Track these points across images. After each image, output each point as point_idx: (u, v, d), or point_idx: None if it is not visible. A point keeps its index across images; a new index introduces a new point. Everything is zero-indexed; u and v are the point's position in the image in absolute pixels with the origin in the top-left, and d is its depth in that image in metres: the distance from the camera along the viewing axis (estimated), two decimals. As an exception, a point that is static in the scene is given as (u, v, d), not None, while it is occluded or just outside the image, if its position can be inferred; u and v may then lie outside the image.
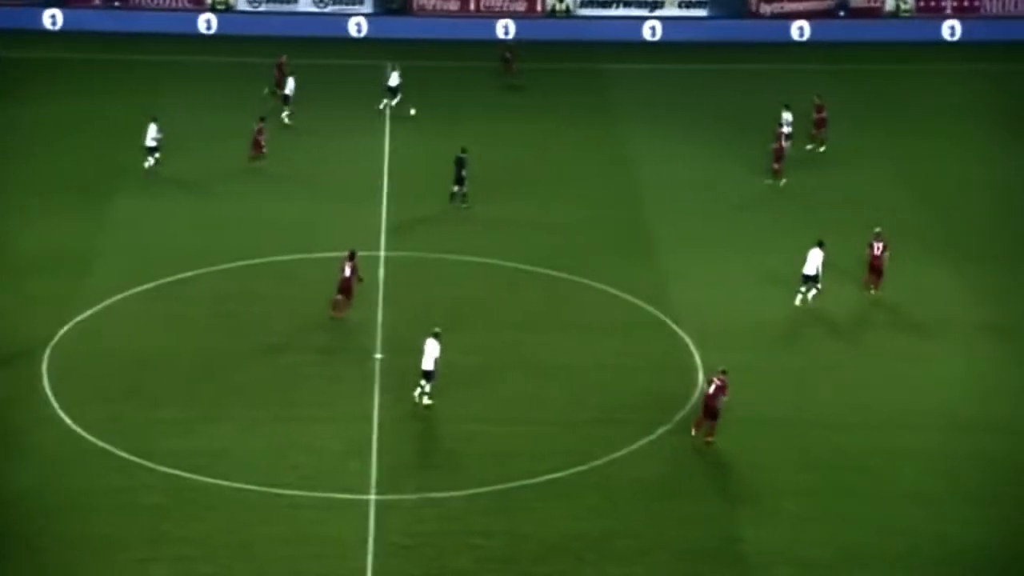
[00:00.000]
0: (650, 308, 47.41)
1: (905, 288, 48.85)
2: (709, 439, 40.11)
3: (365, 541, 35.94)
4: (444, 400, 41.95)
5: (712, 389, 40.20)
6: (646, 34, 74.82)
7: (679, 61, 72.77)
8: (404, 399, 41.84)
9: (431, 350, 41.52)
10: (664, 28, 74.62)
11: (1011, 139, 63.12)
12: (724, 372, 40.41)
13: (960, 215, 55.33)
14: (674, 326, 46.32)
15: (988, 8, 76.39)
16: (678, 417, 41.40)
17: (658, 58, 72.68)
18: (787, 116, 58.87)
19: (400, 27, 75.41)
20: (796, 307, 47.51)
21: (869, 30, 75.26)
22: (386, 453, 39.50)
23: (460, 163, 54.83)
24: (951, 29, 75.17)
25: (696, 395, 42.20)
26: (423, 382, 41.60)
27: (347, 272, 46.10)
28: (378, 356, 44.22)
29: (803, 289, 47.90)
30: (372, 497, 37.59)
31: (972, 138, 63.36)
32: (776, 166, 57.00)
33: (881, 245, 48.32)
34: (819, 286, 47.69)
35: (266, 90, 63.86)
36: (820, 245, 47.79)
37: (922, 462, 39.65)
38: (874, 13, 76.33)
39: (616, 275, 49.28)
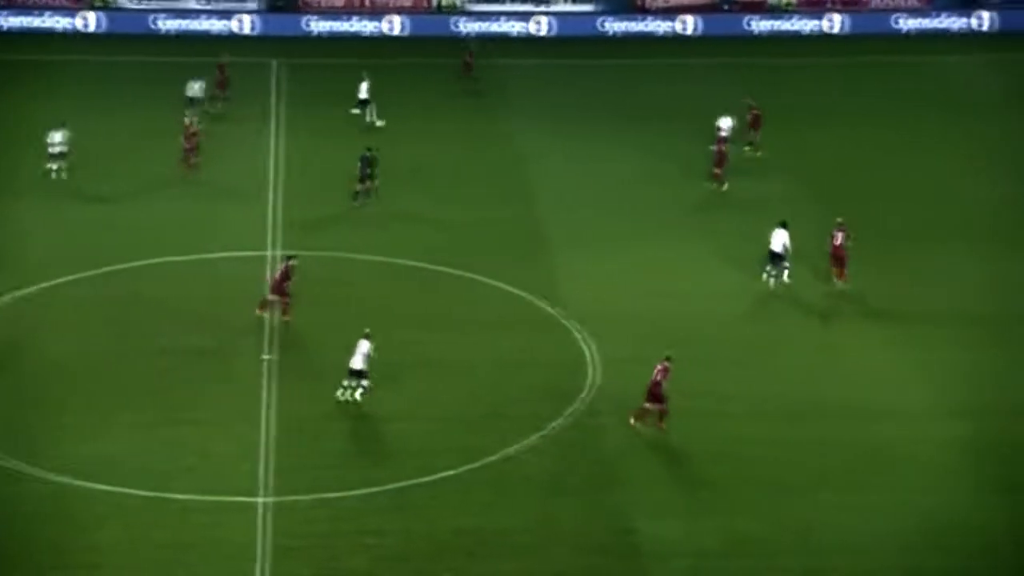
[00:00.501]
0: (542, 304, 47.46)
1: (805, 277, 49.38)
2: (661, 425, 40.32)
3: (256, 544, 35.58)
4: (334, 400, 41.75)
5: (657, 375, 40.37)
6: (532, 29, 75.03)
7: (568, 56, 73.04)
8: (296, 399, 41.57)
9: (361, 349, 41.46)
10: (552, 23, 74.80)
11: (903, 130, 63.79)
12: (668, 359, 40.54)
13: (869, 206, 55.35)
14: (566, 322, 46.38)
15: (870, 1, 77.47)
16: (570, 411, 41.49)
17: (548, 53, 72.87)
18: (727, 122, 58.22)
19: (287, 24, 74.87)
20: (691, 300, 47.84)
21: (755, 23, 75.91)
22: (278, 454, 39.11)
23: (366, 161, 54.53)
24: (831, 22, 76.09)
25: (586, 390, 42.32)
26: (347, 381, 41.42)
27: (278, 275, 45.88)
28: (269, 356, 43.86)
29: (769, 269, 48.62)
30: (263, 499, 37.22)
31: (865, 130, 63.78)
32: (717, 171, 56.51)
33: (842, 234, 48.60)
34: (787, 265, 48.33)
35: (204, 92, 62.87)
36: (784, 225, 48.44)
37: (825, 451, 39.90)
38: (759, 8, 77.06)
39: (509, 271, 49.25)
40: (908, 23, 76.33)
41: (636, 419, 40.74)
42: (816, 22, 75.91)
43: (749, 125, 59.74)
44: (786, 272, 48.62)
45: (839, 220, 49.12)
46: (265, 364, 43.40)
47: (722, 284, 49.17)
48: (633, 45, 74.26)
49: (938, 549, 36.12)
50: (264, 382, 42.55)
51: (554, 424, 40.91)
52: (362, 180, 54.57)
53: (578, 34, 74.74)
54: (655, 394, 40.40)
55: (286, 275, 45.92)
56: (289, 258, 46.54)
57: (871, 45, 74.71)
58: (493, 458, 39.28)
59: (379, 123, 61.40)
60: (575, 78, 69.00)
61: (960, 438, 40.52)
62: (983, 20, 75.82)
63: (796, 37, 75.84)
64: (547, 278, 49.20)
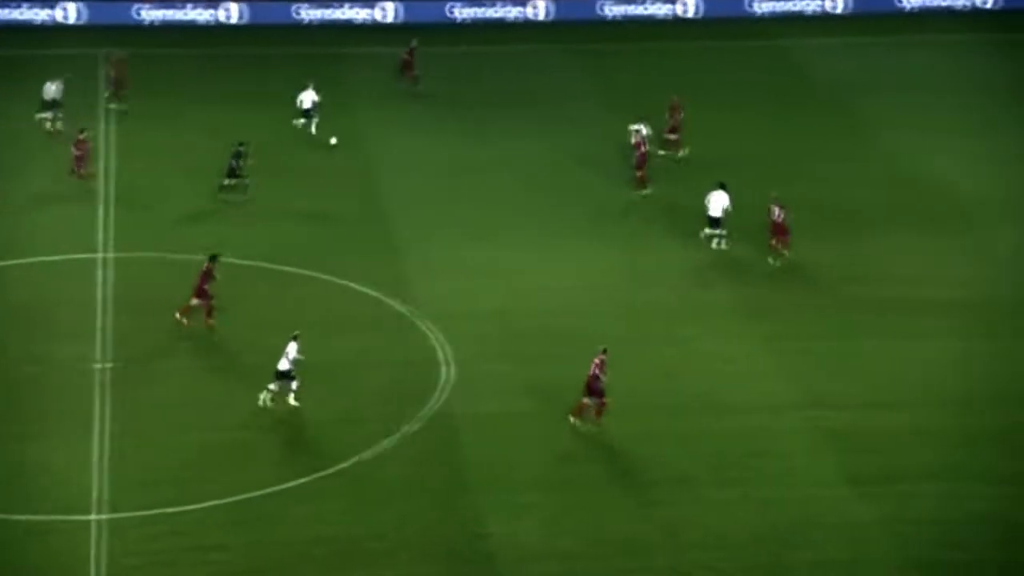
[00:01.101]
0: (393, 302, 45.75)
1: (668, 269, 48.51)
2: (598, 420, 39.24)
3: (91, 563, 33.56)
4: (175, 410, 39.85)
5: (593, 369, 39.28)
6: (378, 16, 73.23)
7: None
8: (132, 410, 39.48)
9: (289, 351, 40.01)
10: (399, 10, 73.04)
11: (764, 113, 63.03)
12: (604, 351, 39.43)
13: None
14: (418, 320, 44.78)
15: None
16: (424, 413, 39.95)
17: (393, 41, 71.02)
18: (643, 129, 55.26)
19: (116, 12, 71.83)
20: (550, 295, 46.42)
21: (608, 8, 74.82)
22: (113, 469, 37.02)
23: (237, 156, 52.72)
24: (684, 6, 75.28)
25: (440, 391, 40.89)
26: (272, 384, 39.90)
27: (200, 277, 44.01)
28: (102, 366, 41.65)
29: (708, 231, 48.56)
30: (95, 517, 35.14)
31: (737, 113, 62.59)
32: (639, 173, 54.17)
33: (779, 208, 48.10)
34: (723, 232, 48.14)
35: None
36: (723, 187, 48.21)
37: (689, 446, 38.85)
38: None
39: (357, 269, 47.41)
40: (763, 6, 75.77)
41: (574, 416, 39.44)
42: (670, 6, 75.06)
43: (671, 127, 57.05)
44: (724, 240, 48.41)
45: (773, 195, 48.64)
46: (100, 374, 41.17)
47: (584, 278, 47.83)
48: (482, 31, 72.65)
49: (808, 543, 35.21)
50: (100, 393, 40.35)
51: (408, 427, 39.39)
52: (231, 175, 52.64)
53: (426, 20, 72.97)
54: (592, 388, 39.23)
55: (208, 276, 43.88)
56: (212, 258, 44.36)
57: (726, 29, 74.10)
58: (345, 464, 37.71)
59: (332, 140, 57.14)
60: (422, 66, 67.16)
61: (826, 429, 39.66)
62: (837, 3, 75.61)
63: (650, 21, 74.85)
64: (397, 275, 47.43)
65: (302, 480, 36.91)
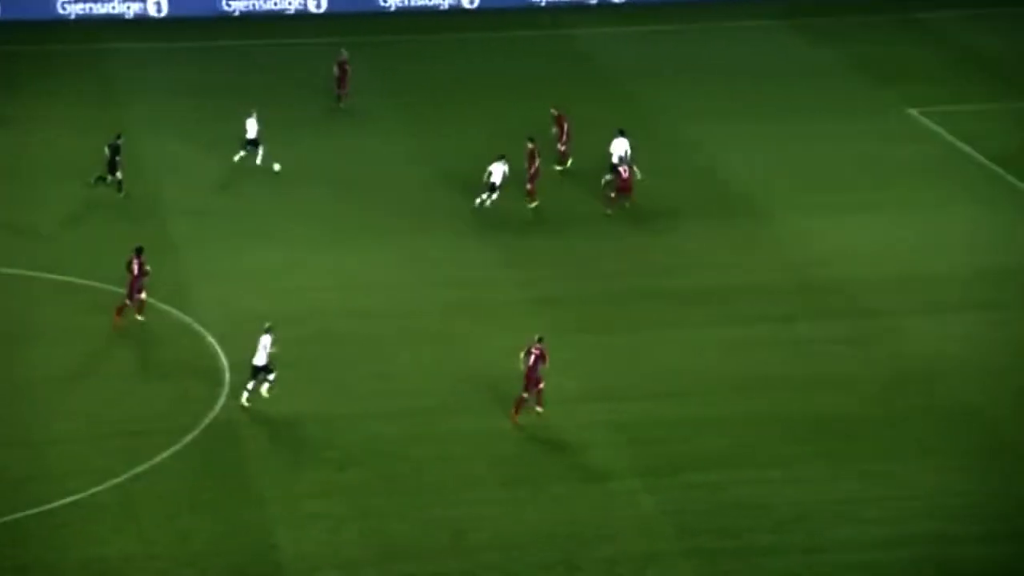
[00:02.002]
0: (170, 308, 44.33)
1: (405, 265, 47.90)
2: (540, 409, 39.14)
3: None
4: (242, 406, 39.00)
5: (532, 360, 38.98)
6: (152, 11, 71.34)
7: (182, 39, 69.39)
8: None
9: (263, 344, 39.47)
10: (167, 4, 71.25)
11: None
12: (540, 340, 39.30)
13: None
14: (197, 326, 43.45)
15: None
16: (206, 423, 38.75)
17: (163, 36, 69.14)
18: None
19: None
20: (327, 296, 45.55)
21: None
22: None
23: (114, 149, 50.85)
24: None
25: (222, 399, 39.75)
26: (250, 383, 39.50)
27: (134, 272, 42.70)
28: None
29: (608, 177, 50.91)
30: None
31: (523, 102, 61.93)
32: (529, 186, 52.36)
33: (626, 168, 50.13)
34: (608, 177, 50.51)
35: None
36: (622, 133, 51.65)
37: (471, 445, 38.34)
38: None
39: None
40: (537, -7, 75.67)
41: (513, 417, 39.21)
42: (453, -2, 74.56)
43: (558, 138, 55.00)
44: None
45: (618, 157, 50.28)
46: None
47: (369, 279, 47.04)
48: (258, 25, 71.05)
49: (598, 538, 34.95)
50: None
51: (188, 438, 38.12)
52: (112, 170, 50.93)
53: (195, 14, 71.16)
54: (530, 379, 39.07)
55: (141, 271, 42.60)
56: (139, 251, 43.01)
57: (510, 18, 73.85)
58: (120, 479, 36.32)
59: (276, 167, 53.87)
60: (189, 60, 65.49)
61: (615, 423, 39.57)
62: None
63: (433, 12, 74.21)
64: (174, 280, 45.94)
65: (74, 498, 35.46)
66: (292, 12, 72.62)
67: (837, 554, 34.34)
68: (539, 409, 39.49)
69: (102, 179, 51.44)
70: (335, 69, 60.59)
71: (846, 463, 37.71)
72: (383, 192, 53.28)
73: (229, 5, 72.24)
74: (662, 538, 34.98)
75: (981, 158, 56.85)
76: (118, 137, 51.54)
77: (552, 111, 55.16)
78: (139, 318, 43.49)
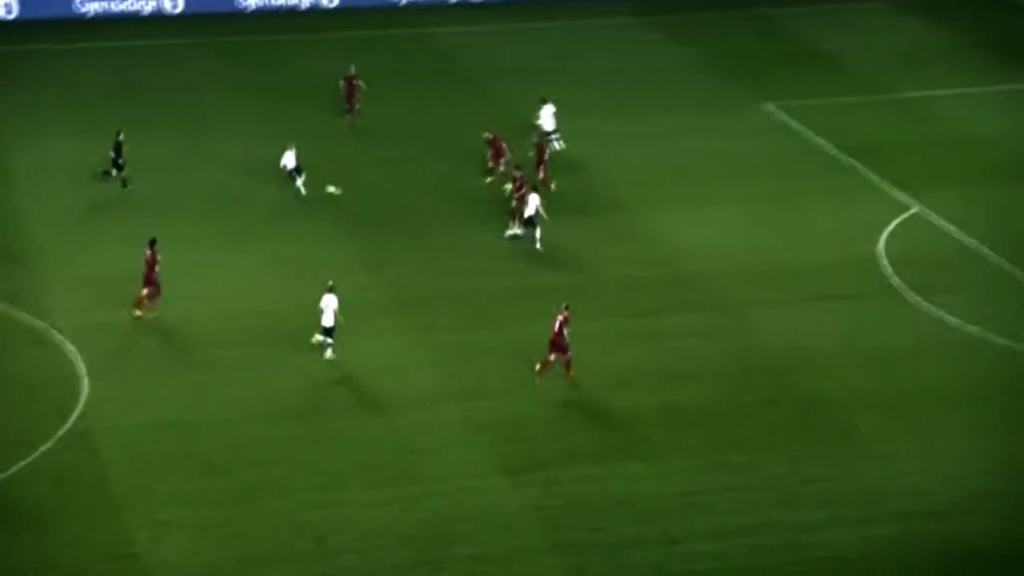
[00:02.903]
0: (25, 315, 43.69)
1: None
2: (571, 375, 40.68)
3: None
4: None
5: (557, 325, 40.27)
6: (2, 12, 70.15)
7: (36, 41, 68.28)
8: None
9: (330, 304, 41.48)
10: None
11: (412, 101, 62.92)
12: (567, 307, 40.77)
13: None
14: (54, 332, 42.85)
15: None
16: (61, 433, 38.20)
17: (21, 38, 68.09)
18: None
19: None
20: (176, 303, 44.99)
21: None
22: None
23: (119, 146, 51.56)
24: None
25: (78, 407, 39.23)
26: (323, 337, 41.77)
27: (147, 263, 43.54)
28: None
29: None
30: None
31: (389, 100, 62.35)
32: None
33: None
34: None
35: None
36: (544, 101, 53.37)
37: (332, 448, 38.16)
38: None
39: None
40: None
41: (539, 375, 40.56)
42: (311, -1, 74.20)
43: (492, 155, 54.42)
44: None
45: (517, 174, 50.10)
46: None
47: (229, 282, 46.76)
48: (114, 26, 70.05)
49: (460, 537, 35.06)
50: None
51: (44, 446, 37.55)
52: (117, 167, 51.54)
53: (47, 15, 70.05)
54: (558, 344, 40.36)
55: (154, 262, 43.25)
56: (152, 243, 43.67)
57: (370, 18, 73.69)
58: (-26, 491, 35.76)
59: (331, 189, 52.45)
60: (47, 64, 64.45)
61: (476, 421, 39.70)
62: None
63: (292, 12, 73.77)
64: (28, 285, 45.31)
65: (-75, 511, 34.89)
66: (147, 13, 71.85)
67: (695, 544, 34.82)
68: (571, 374, 40.80)
69: (107, 174, 51.92)
70: (342, 84, 59.72)
71: (703, 455, 38.26)
72: (245, 196, 52.92)
73: (83, 6, 71.28)
74: (525, 535, 35.19)
75: (835, 151, 57.99)
76: (118, 133, 51.93)
77: (486, 135, 54.49)
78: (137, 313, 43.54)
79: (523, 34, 72.23)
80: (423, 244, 49.90)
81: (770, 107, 62.43)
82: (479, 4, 76.10)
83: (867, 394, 41.19)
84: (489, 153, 54.44)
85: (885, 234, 50.74)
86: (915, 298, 46.45)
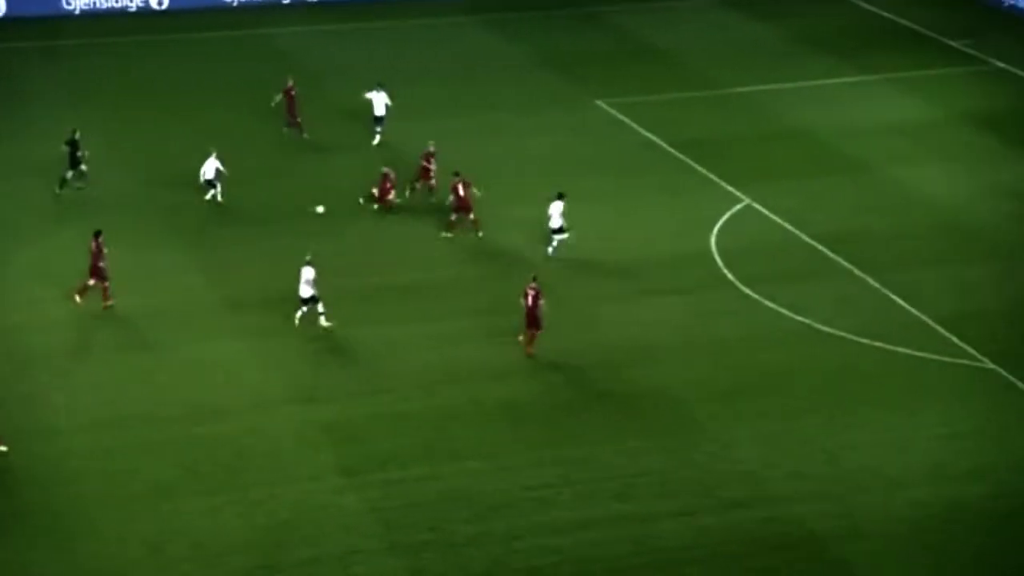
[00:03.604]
0: None
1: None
2: (530, 351, 42.22)
3: None
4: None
5: (530, 300, 41.83)
6: None
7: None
8: None
9: (307, 276, 43.07)
10: None
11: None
12: (535, 279, 42.32)
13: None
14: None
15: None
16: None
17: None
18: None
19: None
20: (20, 314, 44.14)
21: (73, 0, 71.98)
22: None
23: (74, 145, 51.34)
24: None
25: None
26: (303, 308, 43.25)
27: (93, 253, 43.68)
28: None
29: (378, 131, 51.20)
30: None
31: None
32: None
33: (463, 185, 49.74)
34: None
35: None
36: (380, 85, 52.46)
37: (165, 456, 37.56)
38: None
39: None
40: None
41: (527, 348, 42.43)
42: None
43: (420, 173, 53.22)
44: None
45: (456, 172, 50.02)
46: None
47: (58, 289, 45.76)
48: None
49: (299, 540, 34.66)
50: None
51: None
52: (73, 165, 51.31)
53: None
54: (531, 317, 42.04)
55: (99, 253, 43.26)
56: (97, 234, 43.76)
57: (202, 20, 72.86)
58: None
59: (319, 209, 51.02)
60: None
61: (314, 423, 39.39)
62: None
63: (121, 14, 72.57)
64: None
65: None
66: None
67: (535, 539, 34.88)
68: (530, 351, 42.16)
69: (64, 180, 51.26)
70: (280, 97, 58.18)
71: (542, 450, 38.37)
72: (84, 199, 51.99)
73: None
74: (366, 536, 34.95)
75: (666, 146, 58.69)
76: (74, 131, 51.87)
77: (430, 146, 53.17)
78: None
79: (361, 34, 72.08)
80: (268, 245, 49.44)
81: (602, 104, 62.99)
82: (313, 3, 75.68)
83: (703, 384, 41.73)
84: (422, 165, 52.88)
85: (717, 227, 51.51)
86: (746, 289, 47.22)
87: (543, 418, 39.94)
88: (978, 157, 58.70)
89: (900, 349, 43.66)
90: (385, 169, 52.32)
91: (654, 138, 59.57)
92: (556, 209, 48.88)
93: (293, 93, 57.88)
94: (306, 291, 43.33)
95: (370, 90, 57.61)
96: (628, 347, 43.69)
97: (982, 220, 52.78)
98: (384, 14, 74.40)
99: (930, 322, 45.23)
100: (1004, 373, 42.44)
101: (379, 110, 57.26)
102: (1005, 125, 61.62)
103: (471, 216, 50.22)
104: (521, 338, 42.69)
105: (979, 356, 43.29)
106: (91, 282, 44.07)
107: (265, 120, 59.32)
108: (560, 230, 49.05)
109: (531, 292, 42.28)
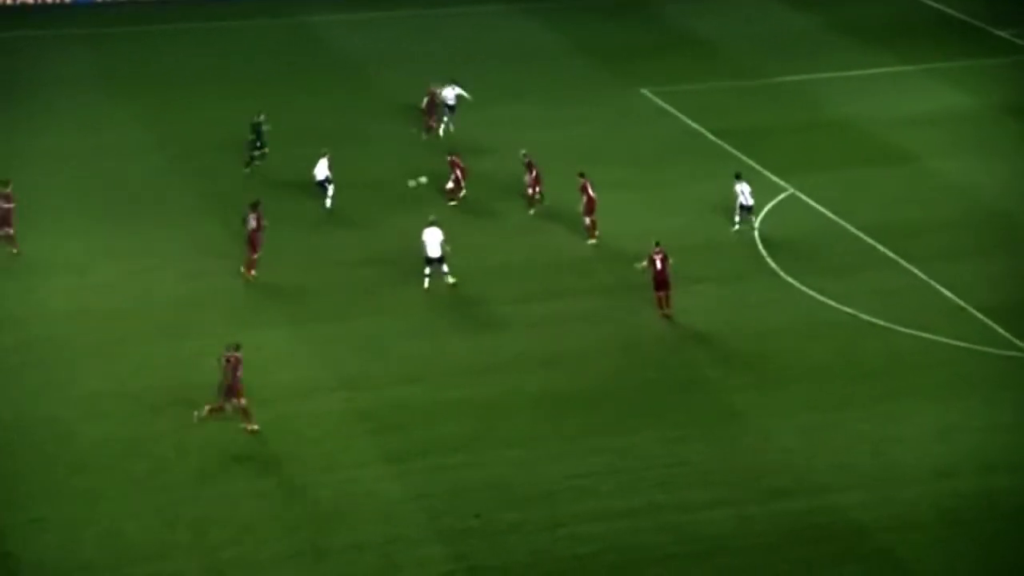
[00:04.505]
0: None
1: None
2: (669, 311, 44.08)
3: None
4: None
5: (659, 263, 43.55)
6: None
7: None
8: None
9: (434, 238, 44.92)
10: None
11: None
12: (657, 244, 43.90)
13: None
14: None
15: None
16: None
17: None
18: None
19: None
20: (53, 301, 44.48)
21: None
22: None
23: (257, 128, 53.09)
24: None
25: None
26: (428, 269, 45.09)
27: None
28: None
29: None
30: None
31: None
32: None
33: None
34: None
35: None
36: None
37: (210, 442, 37.36)
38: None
39: None
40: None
41: (666, 309, 43.86)
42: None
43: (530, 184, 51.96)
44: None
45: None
46: None
47: (98, 276, 46.26)
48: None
49: (342, 526, 34.75)
50: None
51: None
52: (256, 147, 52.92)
53: None
54: (660, 280, 43.98)
55: (258, 224, 45.21)
56: (255, 204, 46.06)
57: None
58: None
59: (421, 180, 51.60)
60: None
61: (357, 411, 39.41)
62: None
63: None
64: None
65: None
66: None
67: (578, 527, 34.88)
68: (667, 312, 44.04)
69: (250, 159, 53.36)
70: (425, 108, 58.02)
71: (583, 439, 38.36)
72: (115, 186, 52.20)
73: None
74: (408, 522, 35.02)
75: (710, 135, 58.59)
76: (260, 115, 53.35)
77: (522, 154, 52.48)
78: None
79: (398, 22, 72.28)
80: (295, 235, 49.38)
81: (647, 92, 62.91)
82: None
83: (745, 374, 41.65)
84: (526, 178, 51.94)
85: (760, 216, 51.36)
86: (789, 278, 47.09)
87: (585, 407, 39.92)
88: (1021, 148, 58.36)
89: (944, 339, 43.46)
90: (452, 156, 52.11)
91: (697, 126, 59.48)
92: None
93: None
94: (434, 251, 44.84)
95: (444, 86, 57.67)
96: (671, 335, 43.66)
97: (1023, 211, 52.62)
98: (426, 3, 74.60)
99: (975, 312, 45.00)
100: (1049, 364, 42.35)
101: (451, 100, 57.49)
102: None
103: (591, 219, 49.26)
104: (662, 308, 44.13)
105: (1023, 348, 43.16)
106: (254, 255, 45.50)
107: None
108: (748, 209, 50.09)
109: (657, 256, 43.61)
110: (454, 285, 45.54)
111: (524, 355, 42.35)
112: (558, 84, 64.37)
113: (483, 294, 45.71)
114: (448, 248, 45.42)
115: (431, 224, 45.52)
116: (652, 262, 44.02)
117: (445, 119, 57.56)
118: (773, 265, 48.01)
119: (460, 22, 72.27)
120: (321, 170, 50.98)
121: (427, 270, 45.44)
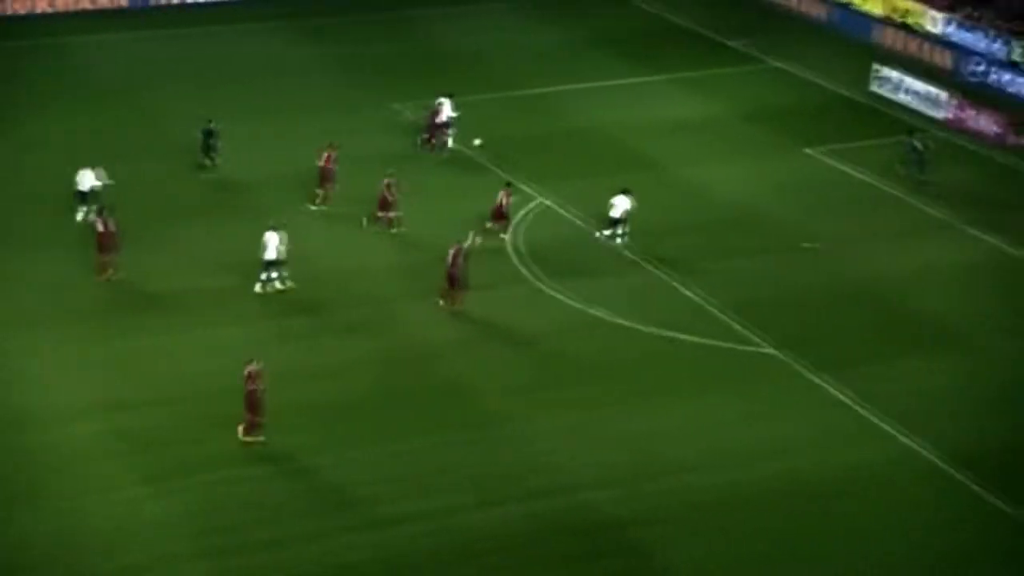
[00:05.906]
0: None
1: None
2: (441, 302, 45.73)
3: None
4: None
5: (451, 258, 45.27)
6: None
7: None
8: None
9: (272, 241, 45.80)
10: None
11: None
12: (459, 242, 45.53)
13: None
14: None
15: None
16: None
17: None
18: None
19: None
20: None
21: None
22: None
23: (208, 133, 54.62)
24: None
25: None
26: (264, 273, 46.17)
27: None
28: None
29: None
30: None
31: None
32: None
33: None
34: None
35: None
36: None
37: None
38: None
39: None
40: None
41: (449, 304, 45.75)
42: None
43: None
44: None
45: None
46: None
47: None
48: None
49: (103, 550, 34.62)
50: None
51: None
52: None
53: None
54: (453, 277, 45.37)
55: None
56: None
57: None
58: None
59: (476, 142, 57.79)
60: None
61: (120, 431, 39.29)
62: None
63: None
64: None
65: None
66: None
67: (346, 536, 35.38)
68: (441, 302, 45.75)
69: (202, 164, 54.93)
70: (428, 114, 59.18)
71: (348, 448, 38.86)
72: None
73: None
74: (171, 542, 34.95)
75: (466, 149, 59.58)
76: (210, 121, 54.82)
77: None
78: None
79: (163, 41, 71.93)
80: (54, 257, 49.01)
81: (397, 107, 63.56)
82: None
83: (504, 377, 42.75)
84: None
85: (513, 225, 52.52)
86: (540, 285, 48.36)
87: (347, 417, 40.35)
88: (758, 152, 60.87)
89: (690, 338, 45.33)
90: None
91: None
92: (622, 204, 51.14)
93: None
94: (271, 254, 46.03)
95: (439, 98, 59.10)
96: (430, 344, 44.46)
97: (762, 212, 54.80)
98: (191, 21, 74.43)
99: (716, 312, 47.01)
100: (785, 359, 44.33)
101: (443, 117, 58.85)
102: (779, 120, 64.11)
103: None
104: (442, 302, 45.68)
105: (762, 343, 45.18)
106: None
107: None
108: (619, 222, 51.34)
109: (452, 251, 45.43)
110: (290, 289, 46.62)
111: (290, 369, 42.04)
112: (313, 97, 64.75)
113: (251, 311, 45.88)
114: (284, 251, 46.43)
115: (271, 228, 46.42)
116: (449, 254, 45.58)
117: (450, 132, 58.73)
118: (524, 272, 49.26)
119: (234, 39, 72.37)
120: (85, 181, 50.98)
121: (263, 275, 46.42)
